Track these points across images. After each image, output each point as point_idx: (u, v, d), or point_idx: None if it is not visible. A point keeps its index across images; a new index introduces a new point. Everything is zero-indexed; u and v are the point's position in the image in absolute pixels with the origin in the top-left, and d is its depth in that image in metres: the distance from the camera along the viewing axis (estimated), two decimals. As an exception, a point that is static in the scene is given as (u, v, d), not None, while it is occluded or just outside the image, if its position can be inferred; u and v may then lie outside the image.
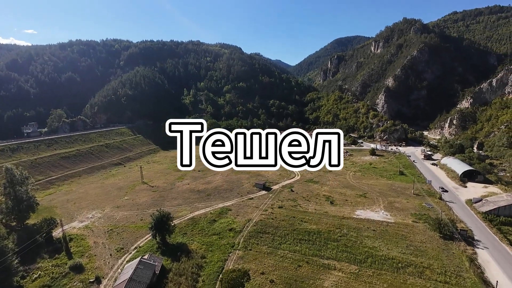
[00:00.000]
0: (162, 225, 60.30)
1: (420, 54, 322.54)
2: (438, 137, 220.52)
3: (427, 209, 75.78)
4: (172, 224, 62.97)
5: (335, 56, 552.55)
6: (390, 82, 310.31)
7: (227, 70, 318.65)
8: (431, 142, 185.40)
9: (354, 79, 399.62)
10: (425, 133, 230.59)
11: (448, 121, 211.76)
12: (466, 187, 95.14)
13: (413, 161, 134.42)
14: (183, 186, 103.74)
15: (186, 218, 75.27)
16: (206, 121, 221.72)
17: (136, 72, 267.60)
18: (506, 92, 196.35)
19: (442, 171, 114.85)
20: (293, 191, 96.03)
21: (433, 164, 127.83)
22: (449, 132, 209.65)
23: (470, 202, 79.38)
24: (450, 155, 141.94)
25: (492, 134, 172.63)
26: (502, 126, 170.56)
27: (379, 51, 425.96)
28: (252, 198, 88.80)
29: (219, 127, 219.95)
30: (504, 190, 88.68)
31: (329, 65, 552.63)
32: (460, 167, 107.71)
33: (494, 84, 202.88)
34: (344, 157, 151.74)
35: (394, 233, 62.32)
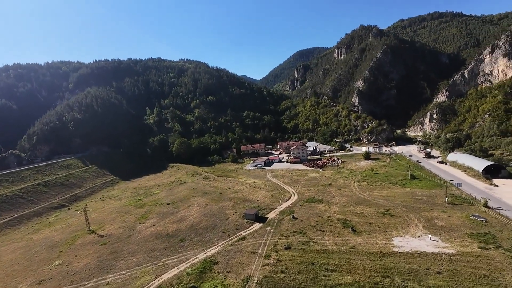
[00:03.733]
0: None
1: (383, 55, 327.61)
2: (419, 133, 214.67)
3: (482, 224, 57.06)
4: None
5: (301, 66, 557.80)
6: (360, 84, 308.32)
7: (193, 84, 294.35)
8: (420, 139, 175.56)
9: (323, 85, 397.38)
10: (400, 130, 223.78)
11: (428, 116, 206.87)
12: (497, 186, 79.75)
13: (417, 161, 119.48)
14: (146, 230, 75.38)
15: (148, 289, 48.09)
16: (175, 140, 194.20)
17: (87, 93, 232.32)
18: (479, 82, 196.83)
19: (456, 169, 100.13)
20: (295, 218, 72.82)
21: (440, 162, 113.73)
22: (431, 127, 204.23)
23: (525, 207, 62.51)
24: (449, 150, 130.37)
25: (477, 125, 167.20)
26: (485, 116, 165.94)
27: (342, 57, 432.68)
28: (244, 238, 63.84)
29: (190, 146, 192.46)
30: (543, 184, 74.41)
31: (296, 74, 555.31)
32: (477, 162, 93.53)
33: (466, 76, 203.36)
34: (338, 165, 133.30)
35: (470, 274, 41.51)
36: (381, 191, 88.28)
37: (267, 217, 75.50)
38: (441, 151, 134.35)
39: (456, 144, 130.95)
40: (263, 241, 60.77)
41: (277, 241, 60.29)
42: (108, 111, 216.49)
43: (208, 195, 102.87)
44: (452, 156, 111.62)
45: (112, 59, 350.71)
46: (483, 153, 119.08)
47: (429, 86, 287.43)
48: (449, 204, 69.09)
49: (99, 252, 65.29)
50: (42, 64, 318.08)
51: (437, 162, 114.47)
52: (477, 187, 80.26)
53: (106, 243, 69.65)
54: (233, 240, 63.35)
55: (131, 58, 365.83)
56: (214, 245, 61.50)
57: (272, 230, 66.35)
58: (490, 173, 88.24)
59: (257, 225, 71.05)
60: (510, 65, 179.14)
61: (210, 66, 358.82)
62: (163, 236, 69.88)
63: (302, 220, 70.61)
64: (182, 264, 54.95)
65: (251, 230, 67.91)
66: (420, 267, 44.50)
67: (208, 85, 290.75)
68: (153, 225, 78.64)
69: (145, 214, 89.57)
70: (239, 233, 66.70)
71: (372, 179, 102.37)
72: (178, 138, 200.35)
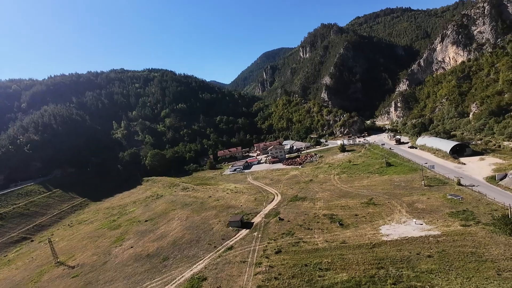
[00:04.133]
0: None
1: (346, 51, 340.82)
2: (387, 122, 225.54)
3: (459, 202, 59.41)
4: None
5: (269, 67, 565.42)
6: (327, 80, 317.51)
7: (161, 93, 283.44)
8: (388, 127, 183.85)
9: (292, 84, 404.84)
10: (370, 121, 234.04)
11: (393, 105, 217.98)
12: (465, 164, 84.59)
13: (390, 148, 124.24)
14: (123, 254, 69.10)
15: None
16: (147, 153, 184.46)
17: (43, 111, 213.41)
18: (434, 69, 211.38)
19: (426, 152, 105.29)
20: (282, 219, 71.08)
21: (410, 147, 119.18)
22: (396, 115, 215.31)
23: (493, 181, 66.38)
24: (416, 135, 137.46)
25: (437, 109, 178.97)
26: (443, 100, 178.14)
27: (308, 55, 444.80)
28: (232, 247, 60.68)
29: (164, 156, 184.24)
30: (503, 159, 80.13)
31: (264, 76, 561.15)
32: (443, 144, 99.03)
33: (422, 64, 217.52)
34: (316, 160, 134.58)
35: (458, 253, 42.33)
36: (361, 181, 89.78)
37: (253, 222, 72.94)
38: (409, 137, 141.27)
39: (422, 129, 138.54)
40: (252, 248, 58.12)
41: (266, 246, 57.97)
42: (69, 129, 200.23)
43: (188, 207, 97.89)
44: (421, 140, 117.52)
45: (69, 74, 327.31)
46: (446, 135, 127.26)
47: (390, 77, 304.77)
48: (426, 186, 71.65)
49: (71, 287, 58.29)
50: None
51: (408, 147, 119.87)
52: (448, 167, 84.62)
53: (78, 275, 62.55)
54: (220, 251, 59.92)
55: (91, 71, 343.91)
56: (201, 260, 57.63)
57: (259, 235, 63.91)
58: (456, 153, 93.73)
59: (244, 231, 68.21)
60: (459, 52, 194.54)
61: (177, 74, 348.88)
62: (144, 257, 64.40)
63: (289, 221, 69.04)
64: (167, 286, 50.48)
65: (238, 238, 64.91)
66: (411, 253, 44.69)
67: (177, 93, 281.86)
68: (131, 247, 72.47)
69: (121, 236, 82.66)
70: (225, 243, 63.37)
71: (351, 171, 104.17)
72: (150, 150, 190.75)
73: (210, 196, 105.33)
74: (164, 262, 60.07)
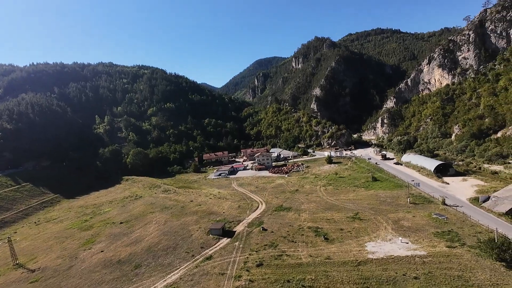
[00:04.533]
0: None
1: (337, 65, 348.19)
2: (373, 137, 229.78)
3: (444, 222, 59.09)
4: None
5: (261, 74, 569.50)
6: (317, 92, 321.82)
7: (149, 91, 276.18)
8: (374, 142, 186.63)
9: (282, 92, 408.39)
10: (356, 135, 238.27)
11: (380, 121, 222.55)
12: (448, 183, 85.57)
13: (376, 163, 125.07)
14: (92, 258, 63.77)
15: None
16: (129, 151, 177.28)
17: (20, 99, 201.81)
18: (420, 90, 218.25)
19: (411, 169, 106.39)
20: (265, 229, 68.37)
21: (396, 163, 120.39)
22: (383, 130, 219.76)
23: (476, 202, 66.93)
24: (402, 152, 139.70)
25: (421, 128, 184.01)
26: (427, 120, 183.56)
27: (300, 66, 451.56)
28: (211, 257, 57.16)
29: (147, 156, 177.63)
30: (485, 181, 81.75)
31: (256, 82, 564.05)
32: (428, 162, 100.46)
33: (409, 84, 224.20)
34: (303, 170, 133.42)
35: (445, 276, 41.15)
36: (347, 194, 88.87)
37: (235, 231, 69.75)
38: (395, 153, 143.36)
39: (407, 146, 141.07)
40: (232, 259, 54.89)
41: (247, 257, 54.94)
42: (48, 120, 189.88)
43: (168, 210, 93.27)
44: (406, 157, 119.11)
45: (53, 63, 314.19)
46: (430, 154, 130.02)
47: (378, 93, 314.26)
48: (411, 204, 71.42)
49: (28, 293, 52.61)
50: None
51: (394, 163, 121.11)
52: (432, 186, 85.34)
53: (37, 280, 56.74)
54: (198, 260, 56.25)
55: (77, 62, 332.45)
56: (176, 269, 53.71)
57: (241, 245, 60.80)
58: (440, 172, 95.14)
59: (225, 240, 64.86)
60: (444, 75, 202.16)
61: (168, 73, 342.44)
62: (114, 264, 59.53)
63: (272, 231, 66.42)
64: (137, 298, 46.26)
65: (218, 247, 61.50)
66: (397, 273, 43.13)
67: (166, 92, 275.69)
68: (102, 251, 67.21)
69: (92, 238, 76.93)
70: (204, 252, 59.77)
71: (337, 183, 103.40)
72: (133, 148, 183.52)
73: (192, 201, 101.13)
74: (135, 270, 55.59)
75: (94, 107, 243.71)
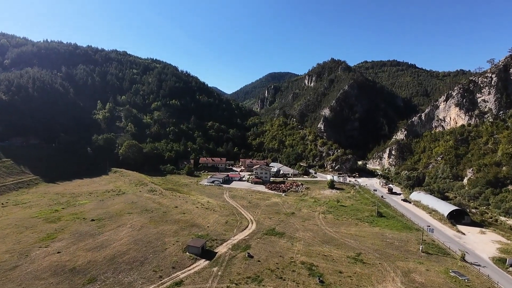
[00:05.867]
0: None
1: (350, 88, 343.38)
2: (378, 167, 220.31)
3: (465, 285, 49.10)
4: None
5: (272, 87, 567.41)
6: (327, 112, 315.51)
7: (157, 85, 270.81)
8: (380, 173, 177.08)
9: (291, 108, 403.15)
10: (361, 162, 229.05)
11: (387, 152, 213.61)
12: (464, 234, 75.66)
13: (382, 196, 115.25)
14: (44, 259, 54.12)
15: None
16: (124, 141, 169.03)
17: (23, 72, 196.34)
18: (434, 126, 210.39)
19: (420, 210, 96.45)
20: (251, 256, 58.59)
21: (404, 200, 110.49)
22: (389, 162, 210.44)
23: (501, 264, 57.01)
24: (409, 188, 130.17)
25: (430, 165, 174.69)
26: (438, 158, 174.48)
27: (312, 84, 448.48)
28: (181, 282, 47.39)
29: (141, 150, 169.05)
30: (507, 237, 71.94)
31: (266, 94, 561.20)
32: (440, 205, 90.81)
33: (423, 118, 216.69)
34: (301, 191, 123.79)
35: None
36: (348, 227, 79.01)
37: (216, 252, 60.00)
38: (402, 188, 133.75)
39: (416, 183, 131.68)
40: (206, 290, 45.13)
41: (224, 291, 45.16)
42: (47, 97, 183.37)
43: (147, 213, 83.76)
44: (415, 196, 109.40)
45: (67, 42, 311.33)
46: (440, 195, 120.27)
47: (387, 123, 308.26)
48: (423, 252, 61.50)
49: (-48, 294, 42.91)
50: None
51: (401, 200, 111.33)
52: (446, 234, 75.38)
53: (-30, 278, 47.05)
54: (165, 285, 46.50)
55: (90, 46, 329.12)
56: (136, 293, 43.95)
57: (219, 273, 51.01)
58: (453, 218, 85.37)
59: (202, 262, 55.10)
60: (460, 114, 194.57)
61: (179, 70, 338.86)
62: (66, 272, 49.81)
63: (259, 261, 56.62)
64: (76, 326, 36.44)
65: (193, 271, 51.73)
66: None
67: (174, 88, 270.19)
68: (59, 252, 57.59)
69: (55, 233, 67.40)
70: (175, 274, 50.01)
71: (338, 212, 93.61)
72: (128, 139, 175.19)
73: (177, 207, 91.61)
74: (88, 285, 45.84)
75: (98, 93, 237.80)
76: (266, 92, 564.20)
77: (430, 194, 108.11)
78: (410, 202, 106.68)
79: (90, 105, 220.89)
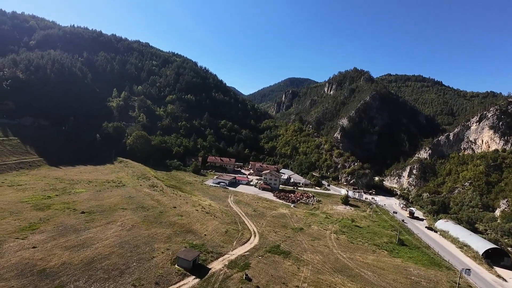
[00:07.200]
0: None
1: (372, 100, 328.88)
2: (395, 185, 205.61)
3: None
4: None
5: (290, 91, 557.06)
6: (344, 122, 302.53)
7: (174, 78, 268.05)
8: (399, 193, 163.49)
9: (308, 114, 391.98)
10: (377, 178, 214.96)
11: (408, 170, 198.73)
12: (506, 280, 63.40)
13: (402, 220, 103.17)
14: (15, 254, 47.48)
15: None
16: (133, 132, 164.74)
17: (45, 53, 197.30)
18: (462, 148, 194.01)
19: (449, 242, 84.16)
20: (249, 279, 49.70)
21: (428, 228, 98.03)
22: (408, 181, 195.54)
23: None
24: (433, 214, 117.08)
25: (456, 191, 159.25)
26: (466, 183, 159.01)
27: (332, 92, 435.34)
28: (161, 305, 39.12)
29: (150, 142, 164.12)
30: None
31: (283, 98, 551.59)
32: (474, 240, 78.57)
33: (451, 138, 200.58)
34: (312, 203, 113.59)
35: None
36: (365, 254, 68.53)
37: (210, 269, 51.52)
38: (424, 213, 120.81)
39: (441, 209, 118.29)
40: (189, 321, 36.61)
41: (211, 325, 36.48)
42: (63, 80, 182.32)
43: (142, 211, 76.66)
44: (442, 224, 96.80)
45: (92, 29, 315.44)
46: (469, 226, 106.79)
47: (408, 139, 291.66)
48: (459, 301, 50.49)
49: None
50: (7, 11, 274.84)
51: (425, 227, 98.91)
52: (484, 278, 63.45)
53: None
54: (142, 306, 38.40)
55: (115, 35, 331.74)
56: (105, 313, 36.08)
57: (209, 298, 42.44)
58: (490, 258, 72.95)
59: (191, 280, 46.78)
60: (495, 138, 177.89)
61: (198, 66, 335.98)
62: (34, 274, 42.81)
63: (258, 286, 47.64)
64: None
65: (178, 290, 43.47)
66: None
67: (191, 83, 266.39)
68: (34, 246, 50.91)
69: (38, 223, 61.21)
70: (156, 293, 41.89)
71: (353, 233, 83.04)
72: (139, 130, 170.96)
73: (175, 207, 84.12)
74: (52, 296, 38.48)
75: (115, 81, 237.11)
76: (284, 96, 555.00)
77: (459, 224, 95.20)
78: (436, 231, 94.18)
79: (106, 92, 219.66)
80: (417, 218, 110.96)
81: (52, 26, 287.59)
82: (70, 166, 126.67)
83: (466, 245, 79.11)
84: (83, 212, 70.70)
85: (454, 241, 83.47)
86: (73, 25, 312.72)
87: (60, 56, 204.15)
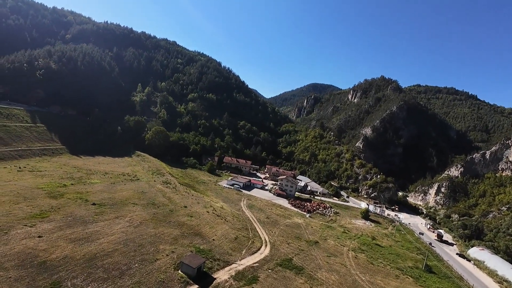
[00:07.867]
0: None
1: (398, 110, 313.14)
2: (420, 202, 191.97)
3: None
4: None
5: (312, 96, 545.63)
6: (368, 132, 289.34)
7: (198, 77, 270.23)
8: (425, 212, 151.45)
9: (329, 121, 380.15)
10: (401, 193, 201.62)
11: (435, 188, 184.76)
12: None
13: (430, 243, 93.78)
14: (19, 243, 46.33)
15: None
16: (152, 127, 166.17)
17: (77, 47, 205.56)
18: (500, 168, 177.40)
19: (485, 275, 74.54)
20: (257, 295, 45.14)
21: (460, 255, 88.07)
22: (435, 200, 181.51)
23: None
24: (465, 239, 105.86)
25: (491, 215, 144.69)
26: (503, 208, 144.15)
27: (356, 100, 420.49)
28: (158, 316, 35.58)
29: (168, 138, 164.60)
30: None
31: (305, 103, 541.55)
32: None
33: (487, 157, 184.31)
34: (329, 215, 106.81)
35: None
36: (387, 279, 61.56)
37: (215, 278, 47.59)
38: (454, 237, 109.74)
39: (474, 234, 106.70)
40: None
41: None
42: (92, 72, 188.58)
43: (152, 208, 74.61)
44: (477, 253, 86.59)
45: (124, 26, 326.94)
46: (508, 257, 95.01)
47: (437, 155, 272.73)
48: None
49: None
50: (48, 6, 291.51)
51: (456, 254, 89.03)
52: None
53: None
54: (138, 315, 35.08)
55: (144, 32, 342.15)
56: (97, 319, 33.08)
57: (211, 313, 38.39)
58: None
59: (193, 290, 43.02)
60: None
61: (222, 66, 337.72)
62: (34, 266, 41.08)
63: (265, 305, 42.98)
64: None
65: (178, 301, 39.80)
66: None
67: (213, 82, 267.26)
68: (40, 236, 49.70)
69: (49, 211, 60.59)
70: (155, 301, 38.49)
71: (373, 253, 75.85)
72: (159, 126, 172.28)
73: (186, 207, 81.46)
74: (47, 291, 36.24)
75: (141, 76, 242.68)
76: (305, 101, 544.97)
77: (496, 255, 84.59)
78: (469, 260, 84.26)
79: (131, 86, 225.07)
80: (446, 242, 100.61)
81: (88, 21, 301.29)
82: (90, 156, 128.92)
83: (506, 281, 69.32)
84: (94, 204, 69.73)
85: (491, 274, 73.68)
86: (107, 21, 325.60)
87: (92, 50, 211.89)
